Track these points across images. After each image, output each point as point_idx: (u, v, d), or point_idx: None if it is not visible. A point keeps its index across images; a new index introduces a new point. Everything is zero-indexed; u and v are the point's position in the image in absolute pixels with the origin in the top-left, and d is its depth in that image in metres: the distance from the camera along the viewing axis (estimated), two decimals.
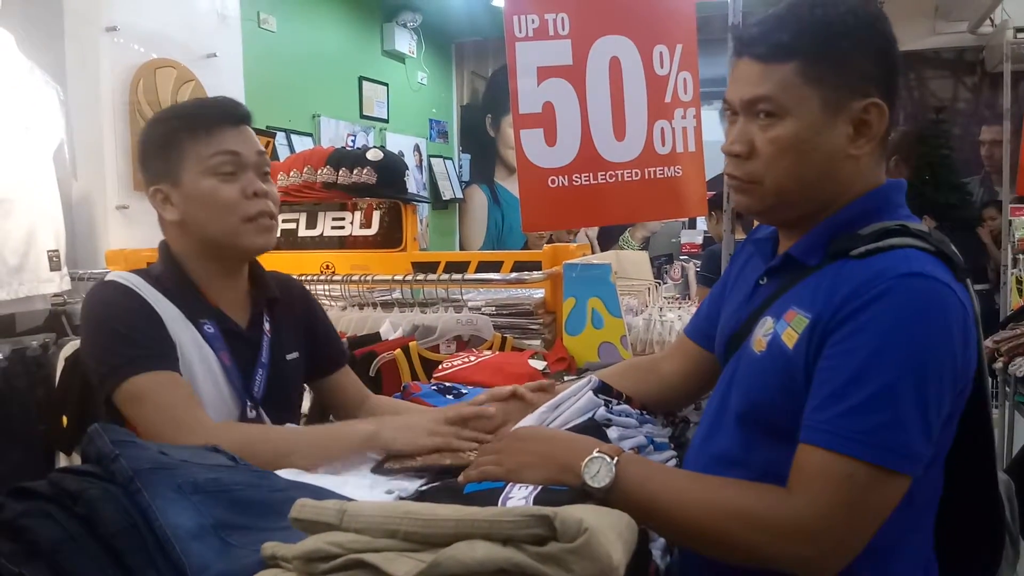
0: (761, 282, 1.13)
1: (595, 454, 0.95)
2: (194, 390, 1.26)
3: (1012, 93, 4.75)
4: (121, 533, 0.79)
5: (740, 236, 3.55)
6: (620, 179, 1.92)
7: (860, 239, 1.00)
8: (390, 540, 0.68)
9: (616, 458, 0.95)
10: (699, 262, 4.50)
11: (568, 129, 1.88)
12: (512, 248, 7.36)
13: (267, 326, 1.40)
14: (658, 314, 2.12)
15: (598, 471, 0.93)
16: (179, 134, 1.31)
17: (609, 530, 0.71)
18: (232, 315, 1.37)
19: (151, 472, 0.86)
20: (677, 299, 2.59)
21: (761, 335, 1.05)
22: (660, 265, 5.33)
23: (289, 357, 1.44)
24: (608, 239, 6.63)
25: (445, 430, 1.23)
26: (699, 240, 6.58)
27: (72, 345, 2.27)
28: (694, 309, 2.36)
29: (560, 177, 1.89)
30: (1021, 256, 5.34)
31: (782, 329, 1.01)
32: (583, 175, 1.89)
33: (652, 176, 1.94)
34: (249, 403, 1.33)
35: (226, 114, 1.33)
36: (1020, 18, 5.47)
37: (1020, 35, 5.15)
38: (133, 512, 0.82)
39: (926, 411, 0.90)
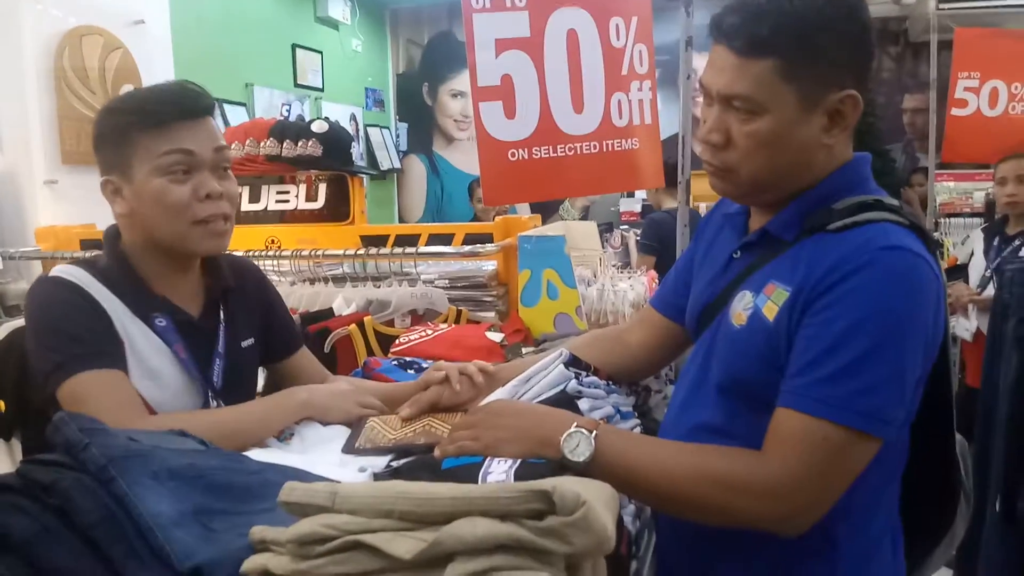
0: (735, 256, 1.15)
1: (573, 429, 0.96)
2: (151, 386, 1.24)
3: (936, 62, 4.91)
4: (99, 523, 0.77)
5: (675, 203, 3.60)
6: (579, 152, 1.92)
7: (835, 213, 1.03)
8: (385, 520, 0.68)
9: (594, 431, 0.96)
10: (639, 231, 4.55)
11: (527, 102, 1.88)
12: (452, 218, 7.32)
13: (222, 315, 1.37)
14: (610, 284, 2.15)
15: (577, 445, 0.95)
16: (131, 128, 1.24)
17: (599, 502, 0.73)
18: (184, 306, 1.33)
19: (124, 460, 0.84)
20: (620, 267, 2.63)
21: (741, 309, 1.07)
22: (601, 234, 5.37)
23: (244, 344, 1.41)
24: (548, 209, 6.65)
25: (371, 401, 1.29)
26: (638, 208, 6.65)
27: (7, 327, 2.18)
28: (643, 278, 2.40)
29: (520, 150, 1.89)
30: (943, 220, 5.59)
31: (762, 303, 1.03)
32: (542, 148, 1.89)
33: (610, 148, 1.96)
34: (211, 393, 1.30)
35: (183, 108, 1.25)
36: None
37: (943, 6, 5.31)
38: (109, 501, 0.79)
39: (901, 378, 0.95)
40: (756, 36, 0.99)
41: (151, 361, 1.25)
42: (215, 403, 1.30)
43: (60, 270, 1.28)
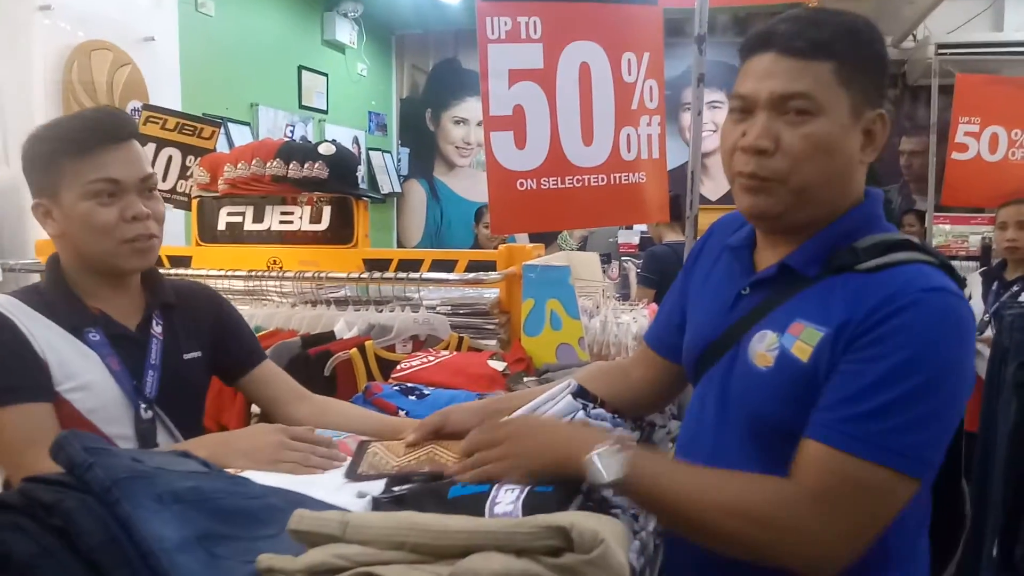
0: (744, 292, 1.11)
1: (605, 446, 0.94)
2: (83, 397, 1.28)
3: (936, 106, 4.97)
4: (101, 546, 0.76)
5: (679, 237, 3.61)
6: (587, 184, 1.93)
7: (861, 252, 1.01)
8: (397, 552, 0.67)
9: (625, 450, 0.94)
10: (638, 262, 4.55)
11: (537, 132, 1.89)
12: (451, 245, 7.33)
13: (158, 328, 1.42)
14: (613, 316, 2.14)
15: (608, 463, 0.92)
16: (58, 155, 1.30)
17: (614, 539, 0.72)
18: (121, 320, 1.39)
19: (128, 481, 0.83)
20: (619, 299, 2.63)
21: (764, 350, 1.03)
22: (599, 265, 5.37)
23: (188, 356, 1.45)
24: (546, 239, 6.66)
25: (300, 446, 1.22)
26: (636, 240, 6.66)
27: None
28: (645, 311, 2.40)
29: (529, 180, 1.89)
30: None
31: (790, 343, 1.00)
32: (551, 179, 1.90)
33: (618, 182, 1.97)
34: (142, 404, 1.35)
35: (107, 134, 1.31)
36: (940, 35, 5.73)
37: (941, 51, 5.39)
38: (112, 524, 0.78)
39: (942, 419, 0.93)
40: (817, 39, 0.99)
41: (83, 375, 1.30)
42: (148, 413, 1.35)
43: None
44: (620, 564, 0.64)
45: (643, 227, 6.16)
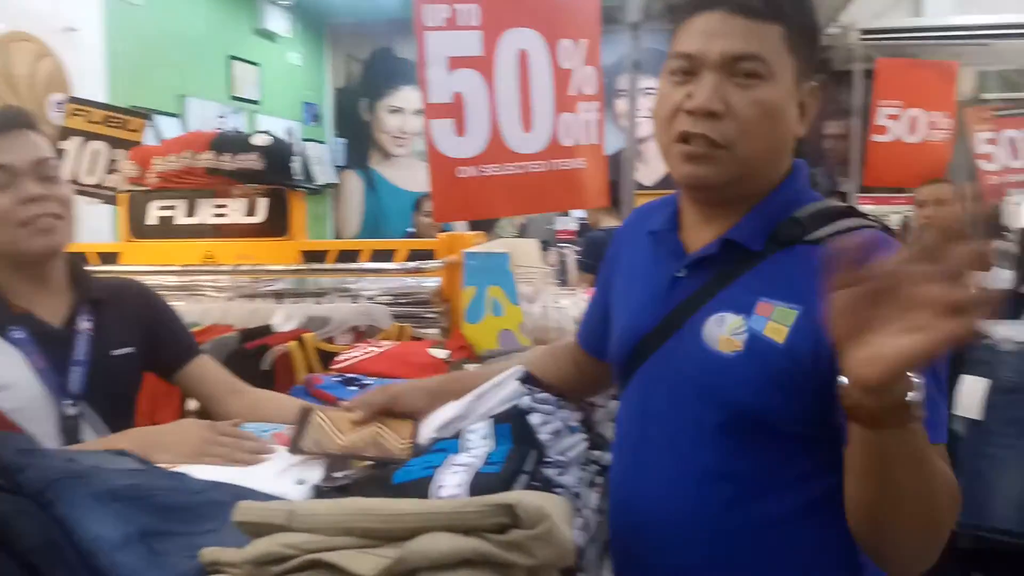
0: (679, 275, 1.04)
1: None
2: (5, 397, 1.28)
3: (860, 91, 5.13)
4: (39, 548, 0.74)
5: (616, 223, 3.67)
6: (527, 170, 1.94)
7: (804, 222, 0.98)
8: (346, 538, 0.67)
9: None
10: (577, 248, 4.60)
11: (477, 119, 1.89)
12: (389, 235, 7.26)
13: (85, 324, 1.41)
14: (552, 301, 2.17)
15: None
16: None
17: (559, 516, 0.73)
18: (45, 316, 1.38)
19: (63, 482, 0.81)
20: (558, 284, 2.66)
21: (728, 334, 0.97)
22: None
23: (117, 352, 1.44)
24: (485, 226, 6.66)
25: (225, 440, 1.19)
26: (574, 227, 6.72)
27: None
28: (584, 296, 2.43)
29: (470, 167, 1.89)
30: None
31: (760, 325, 0.95)
32: (492, 165, 1.90)
33: (558, 168, 1.99)
34: (66, 401, 1.34)
35: None
36: (864, 20, 5.92)
37: (864, 37, 5.56)
38: (50, 525, 0.77)
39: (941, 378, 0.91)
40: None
41: (4, 375, 1.29)
42: (73, 410, 1.34)
43: None
44: (565, 538, 0.66)
45: (581, 213, 6.23)
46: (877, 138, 4.32)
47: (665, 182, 7.00)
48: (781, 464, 0.96)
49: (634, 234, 1.18)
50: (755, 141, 0.96)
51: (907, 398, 0.72)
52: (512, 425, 1.09)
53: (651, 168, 6.93)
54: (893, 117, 4.06)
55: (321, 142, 7.38)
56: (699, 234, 1.06)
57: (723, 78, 0.95)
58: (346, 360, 1.84)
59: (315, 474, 1.06)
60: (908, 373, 0.71)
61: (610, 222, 3.96)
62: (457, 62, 1.86)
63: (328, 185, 7.32)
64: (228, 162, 2.34)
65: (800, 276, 0.94)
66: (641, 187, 6.72)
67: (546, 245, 6.09)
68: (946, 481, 0.83)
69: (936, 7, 6.32)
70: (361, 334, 2.11)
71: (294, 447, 1.13)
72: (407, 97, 7.21)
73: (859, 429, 0.77)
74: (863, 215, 1.00)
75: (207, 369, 1.56)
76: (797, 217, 0.99)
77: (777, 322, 0.94)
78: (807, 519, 0.97)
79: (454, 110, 1.87)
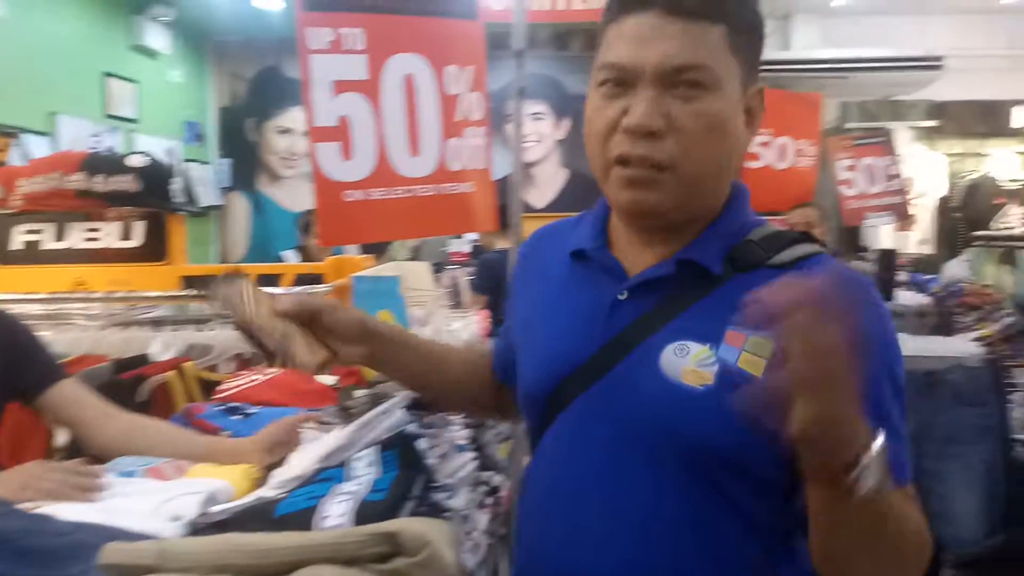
0: (621, 298, 0.92)
1: (880, 446, 0.71)
2: None
3: None
4: None
5: (506, 244, 3.72)
6: (415, 194, 1.94)
7: (760, 246, 0.90)
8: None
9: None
10: (469, 270, 4.62)
11: (364, 143, 1.87)
12: (278, 259, 7.07)
13: None
14: (444, 324, 2.17)
15: (878, 466, 0.71)
16: None
17: (442, 541, 0.74)
18: None
19: None
20: (451, 307, 2.66)
21: (693, 365, 0.85)
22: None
23: None
24: (377, 249, 6.60)
25: (52, 476, 1.12)
26: (467, 249, 6.75)
27: None
28: (475, 318, 2.44)
29: (356, 191, 1.87)
30: None
31: (732, 355, 0.83)
32: (379, 189, 1.89)
33: (446, 192, 2.00)
34: None
35: None
36: None
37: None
38: None
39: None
40: None
41: None
42: None
43: None
44: (448, 564, 0.66)
45: (474, 236, 6.27)
46: (750, 164, 4.55)
47: (557, 204, 7.15)
48: (749, 508, 0.87)
49: (543, 254, 1.06)
50: (701, 159, 0.86)
51: (858, 458, 0.69)
52: (399, 451, 1.09)
53: (542, 191, 7.07)
54: (764, 144, 4.28)
55: (205, 162, 7.13)
56: (639, 255, 0.94)
57: (662, 91, 0.84)
58: (229, 389, 1.78)
59: (191, 510, 1.02)
60: (861, 432, 0.69)
61: (504, 244, 4.00)
62: (342, 86, 1.85)
63: (212, 207, 7.07)
64: (100, 184, 2.24)
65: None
66: (532, 209, 6.89)
67: (439, 267, 6.09)
68: (913, 530, 0.80)
69: (803, 41, 6.76)
70: (246, 362, 2.05)
71: (209, 291, 1.01)
72: (296, 118, 7.07)
73: (810, 484, 0.74)
74: (816, 241, 0.93)
75: (74, 394, 1.47)
76: (750, 240, 0.91)
77: (752, 353, 0.83)
78: (774, 564, 0.90)
79: (339, 134, 1.85)
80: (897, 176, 5.03)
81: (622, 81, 0.86)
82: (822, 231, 3.56)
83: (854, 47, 5.99)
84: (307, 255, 4.45)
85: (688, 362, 0.86)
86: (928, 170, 6.59)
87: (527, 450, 1.06)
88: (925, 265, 4.84)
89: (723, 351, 0.85)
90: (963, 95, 6.49)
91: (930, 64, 6.15)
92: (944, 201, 6.56)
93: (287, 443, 1.28)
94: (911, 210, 5.58)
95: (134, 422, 1.46)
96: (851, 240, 5.28)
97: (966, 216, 6.41)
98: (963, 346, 2.56)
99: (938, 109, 6.56)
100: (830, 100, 6.00)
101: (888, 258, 3.49)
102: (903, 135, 6.23)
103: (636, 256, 0.94)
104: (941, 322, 2.96)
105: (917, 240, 6.50)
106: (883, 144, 5.07)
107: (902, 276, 3.78)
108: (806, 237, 0.93)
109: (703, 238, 0.91)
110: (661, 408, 0.87)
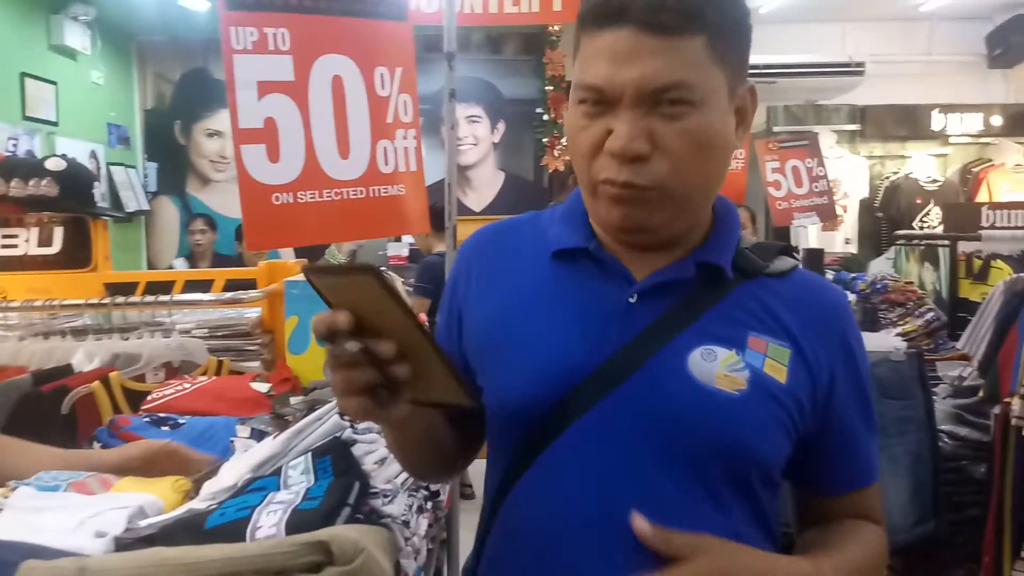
0: (632, 300, 0.88)
1: None
2: None
3: None
4: None
5: (441, 247, 3.71)
6: (345, 197, 1.91)
7: (754, 255, 0.92)
8: None
9: None
10: (407, 275, 4.59)
11: (291, 145, 1.83)
12: (207, 265, 6.90)
13: None
14: None
15: None
16: None
17: (376, 547, 0.72)
18: None
19: None
20: None
21: (725, 370, 0.84)
22: None
23: None
24: (314, 253, 6.51)
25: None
26: (406, 252, 6.71)
27: None
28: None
29: (284, 194, 1.83)
30: None
31: (758, 361, 0.85)
32: (308, 192, 1.85)
33: (376, 194, 1.97)
34: None
35: None
36: None
37: None
38: None
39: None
40: (685, 7, 0.79)
41: None
42: None
43: None
44: (382, 570, 0.65)
45: (412, 239, 6.22)
46: None
47: (493, 206, 7.15)
48: (764, 516, 0.90)
49: (502, 254, 0.98)
50: (690, 177, 0.83)
51: None
52: (333, 457, 1.07)
53: (480, 194, 7.06)
54: None
55: (131, 166, 6.90)
56: (638, 257, 0.91)
57: (645, 110, 0.81)
58: (157, 399, 1.73)
59: (117, 525, 0.98)
60: None
61: (441, 247, 4.00)
62: (268, 87, 1.81)
63: (139, 212, 6.85)
64: (17, 188, 2.15)
65: (782, 311, 0.88)
66: (469, 212, 6.88)
67: None
68: (874, 552, 0.92)
69: None
70: (175, 371, 1.99)
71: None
72: (226, 120, 6.89)
73: None
74: (792, 250, 0.97)
75: None
76: (744, 249, 0.92)
77: (775, 360, 0.85)
78: None
79: (266, 135, 1.81)
80: (823, 178, 5.19)
81: (601, 101, 0.83)
82: (752, 232, 3.62)
83: (780, 54, 6.16)
84: (244, 261, 4.37)
85: (718, 366, 0.84)
86: (851, 172, 6.81)
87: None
88: (851, 264, 4.99)
89: (749, 356, 0.85)
90: (884, 99, 6.72)
91: (852, 70, 6.38)
92: (867, 202, 6.79)
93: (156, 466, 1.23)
94: (837, 211, 5.77)
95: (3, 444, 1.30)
96: (781, 240, 5.42)
97: (888, 216, 6.65)
98: (888, 341, 2.64)
99: (860, 113, 6.78)
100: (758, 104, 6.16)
101: (815, 257, 3.59)
102: (827, 138, 6.41)
103: (635, 258, 0.90)
104: (866, 318, 3.06)
105: (843, 240, 6.71)
106: (808, 147, 5.23)
107: (829, 275, 3.90)
108: (788, 247, 0.96)
109: (718, 240, 0.91)
110: (698, 414, 0.83)
